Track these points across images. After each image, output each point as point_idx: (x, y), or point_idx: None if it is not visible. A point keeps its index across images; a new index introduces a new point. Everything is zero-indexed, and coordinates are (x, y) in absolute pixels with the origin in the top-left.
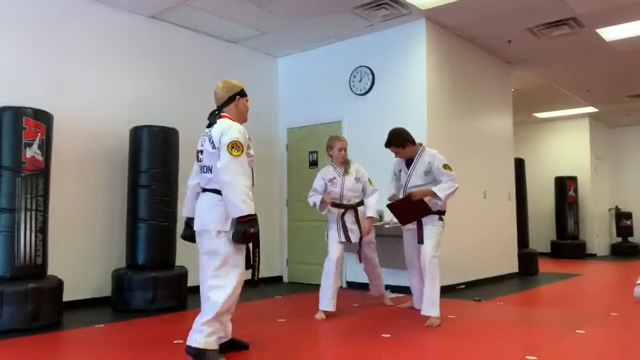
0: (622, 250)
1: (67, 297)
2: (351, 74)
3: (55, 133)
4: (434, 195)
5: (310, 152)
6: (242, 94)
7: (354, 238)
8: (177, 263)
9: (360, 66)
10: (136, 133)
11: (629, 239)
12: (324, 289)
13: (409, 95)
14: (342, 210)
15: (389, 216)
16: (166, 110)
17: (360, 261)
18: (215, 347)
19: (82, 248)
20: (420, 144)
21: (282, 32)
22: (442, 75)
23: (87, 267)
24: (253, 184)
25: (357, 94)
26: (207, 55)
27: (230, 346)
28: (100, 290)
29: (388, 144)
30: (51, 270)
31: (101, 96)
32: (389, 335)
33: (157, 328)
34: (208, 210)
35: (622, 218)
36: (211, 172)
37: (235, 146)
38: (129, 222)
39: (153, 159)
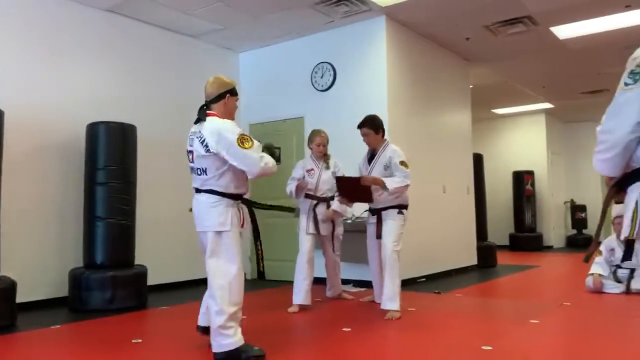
0: (577, 242)
1: (21, 298)
2: (313, 70)
3: (7, 130)
4: (384, 185)
5: (273, 147)
6: (232, 92)
7: (326, 231)
8: (137, 262)
9: (322, 62)
10: (93, 129)
11: (584, 231)
12: (296, 283)
13: (369, 91)
14: (315, 202)
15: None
16: (124, 106)
17: (334, 251)
18: (243, 341)
19: (36, 248)
20: (385, 139)
21: (243, 27)
22: (402, 71)
23: (42, 267)
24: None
25: (318, 90)
26: (167, 50)
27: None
28: (57, 291)
29: (362, 125)
30: (4, 270)
31: (56, 92)
32: (349, 329)
33: (116, 328)
34: (208, 211)
35: (577, 211)
36: (206, 174)
37: (244, 140)
38: (86, 221)
39: (111, 156)
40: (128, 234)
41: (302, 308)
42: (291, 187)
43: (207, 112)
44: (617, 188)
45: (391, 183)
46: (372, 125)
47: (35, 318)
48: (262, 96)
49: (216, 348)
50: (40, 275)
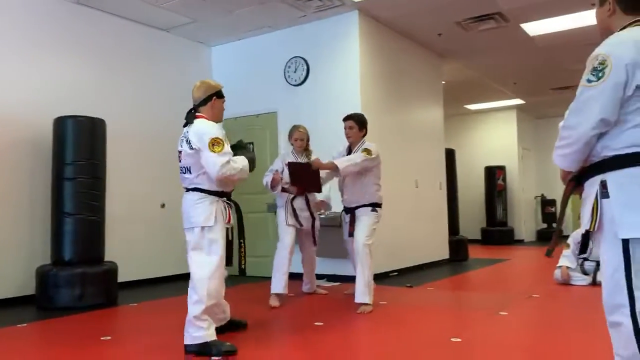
0: (547, 236)
1: None
2: (286, 64)
3: None
4: (336, 168)
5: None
6: (219, 95)
7: (306, 224)
8: (107, 258)
9: (295, 57)
10: (60, 124)
11: (554, 225)
12: (276, 273)
13: (343, 86)
14: (292, 195)
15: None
16: (93, 100)
17: (315, 244)
18: (215, 337)
19: (2, 244)
20: (364, 139)
21: (215, 21)
22: (375, 67)
23: (8, 264)
24: None
25: (292, 84)
26: (137, 44)
27: (228, 326)
28: (24, 289)
29: (349, 117)
30: None
31: (22, 86)
32: (321, 324)
33: (85, 325)
34: (193, 207)
35: (547, 205)
36: (191, 173)
37: (215, 143)
38: (54, 217)
39: (79, 151)
40: (97, 230)
41: (281, 298)
42: (267, 179)
43: (196, 114)
44: (575, 182)
45: (341, 162)
46: (358, 121)
47: (1, 316)
48: (234, 91)
49: (188, 340)
50: (7, 272)
